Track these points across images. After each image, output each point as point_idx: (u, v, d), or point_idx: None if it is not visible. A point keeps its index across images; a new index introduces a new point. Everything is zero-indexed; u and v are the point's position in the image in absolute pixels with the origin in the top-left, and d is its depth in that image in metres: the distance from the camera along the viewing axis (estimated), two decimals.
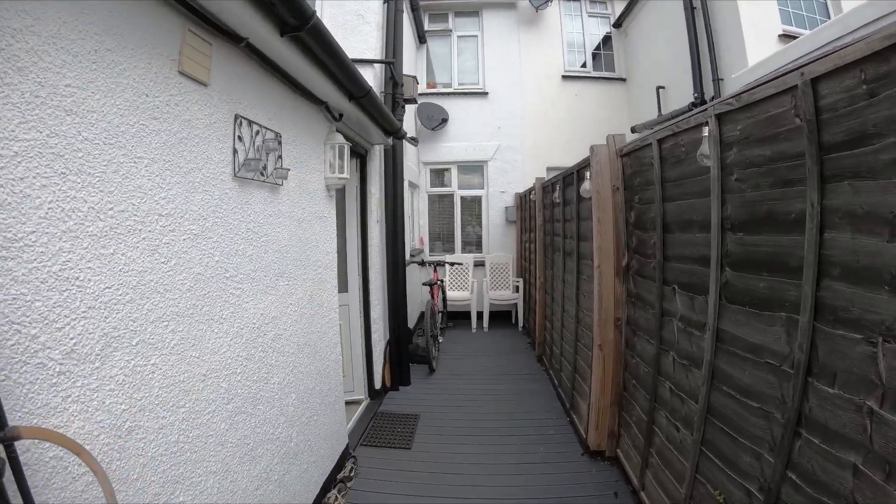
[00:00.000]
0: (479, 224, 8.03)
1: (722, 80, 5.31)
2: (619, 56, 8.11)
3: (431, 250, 8.03)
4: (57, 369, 1.12)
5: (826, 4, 5.15)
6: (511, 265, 7.59)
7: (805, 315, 1.40)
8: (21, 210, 1.04)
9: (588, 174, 2.99)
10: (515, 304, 7.30)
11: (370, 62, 4.03)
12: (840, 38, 3.28)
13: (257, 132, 2.05)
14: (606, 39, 8.23)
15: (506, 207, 7.81)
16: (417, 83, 5.15)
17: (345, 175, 2.83)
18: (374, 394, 4.21)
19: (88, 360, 1.21)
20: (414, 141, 6.43)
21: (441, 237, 8.14)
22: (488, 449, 3.42)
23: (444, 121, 7.57)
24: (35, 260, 1.07)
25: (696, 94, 5.50)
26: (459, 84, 7.95)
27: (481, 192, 7.96)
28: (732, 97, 1.79)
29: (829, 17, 4.96)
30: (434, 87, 7.87)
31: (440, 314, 6.47)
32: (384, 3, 4.39)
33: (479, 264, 7.65)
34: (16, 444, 0.97)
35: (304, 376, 2.54)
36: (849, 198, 1.27)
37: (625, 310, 2.95)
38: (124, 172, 1.34)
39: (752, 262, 1.70)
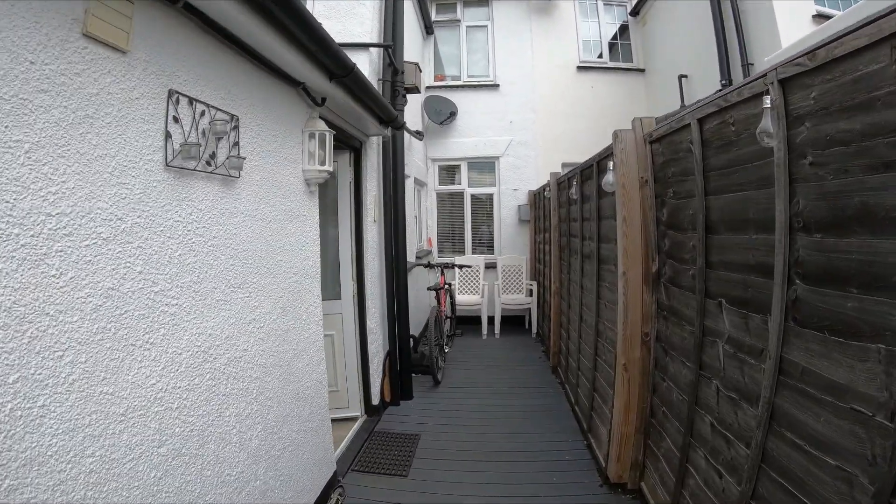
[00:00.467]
0: (491, 224, 7.61)
1: (752, 64, 4.86)
2: (637, 46, 7.62)
3: (440, 252, 7.65)
4: None
5: None
6: (524, 267, 7.15)
7: None
8: None
9: (611, 164, 2.56)
10: (529, 309, 6.86)
11: (364, 46, 3.66)
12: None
13: (202, 113, 1.69)
14: (623, 29, 7.75)
15: (519, 206, 7.38)
16: (420, 71, 4.76)
17: (326, 167, 2.45)
18: (370, 410, 3.83)
19: None
20: (419, 135, 6.05)
21: (450, 238, 7.75)
22: (494, 477, 3.02)
23: (453, 114, 7.17)
24: None
25: (723, 81, 5.05)
26: (469, 76, 7.54)
27: (493, 190, 7.54)
28: (803, 55, 1.36)
29: None
30: (442, 80, 7.48)
31: (448, 320, 6.07)
32: None
33: (491, 266, 7.23)
34: None
35: (275, 402, 2.17)
36: None
37: (654, 324, 2.52)
38: None
39: (834, 274, 1.26)
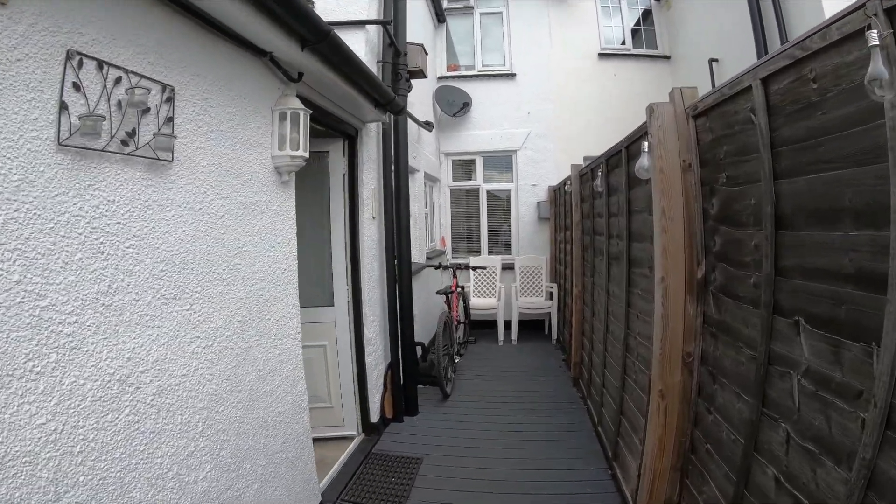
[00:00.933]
0: (508, 222, 7.15)
1: None
2: (661, 31, 7.06)
3: (454, 252, 7.23)
4: None
5: None
6: (544, 268, 6.67)
7: None
8: None
9: (645, 145, 2.10)
10: (548, 313, 6.38)
11: (359, 24, 3.27)
12: None
13: (118, 80, 1.32)
14: (646, 14, 7.19)
15: (538, 203, 6.90)
16: (426, 53, 4.36)
17: (301, 153, 2.07)
18: (368, 428, 3.45)
19: None
20: (428, 126, 5.64)
21: (465, 237, 7.33)
22: None
23: (467, 105, 6.74)
24: None
25: None
26: (483, 66, 7.09)
27: (510, 186, 7.08)
28: None
29: None
30: (455, 70, 7.05)
31: (462, 325, 5.65)
32: None
33: (508, 267, 6.77)
34: None
35: (232, 435, 1.80)
36: None
37: (699, 342, 2.05)
38: None
39: None
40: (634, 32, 7.23)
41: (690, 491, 2.15)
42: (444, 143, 6.99)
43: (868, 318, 1.09)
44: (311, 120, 2.68)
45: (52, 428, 1.14)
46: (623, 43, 7.19)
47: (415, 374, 4.01)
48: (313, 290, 3.20)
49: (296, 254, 2.27)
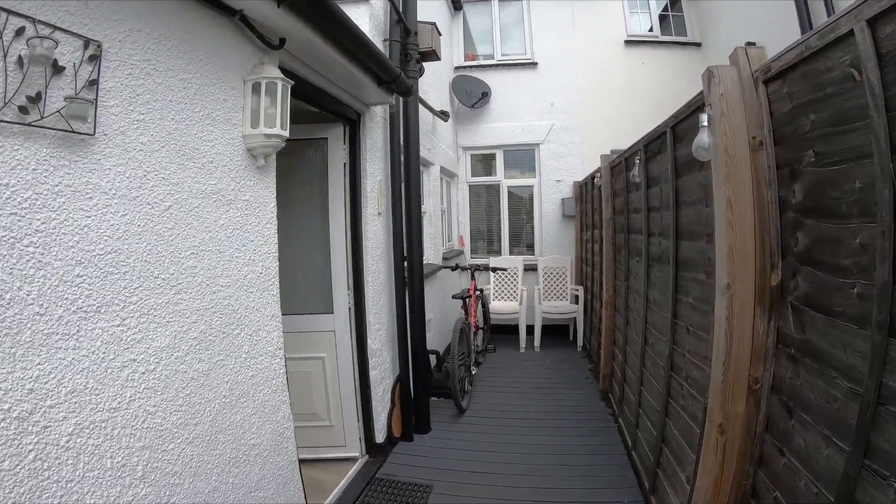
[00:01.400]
0: (530, 220, 6.72)
1: None
2: (691, 16, 6.52)
3: (473, 252, 6.83)
4: None
5: None
6: (569, 270, 6.22)
7: None
8: None
9: (704, 119, 1.67)
10: (574, 318, 5.93)
11: None
12: None
13: (19, 31, 1.00)
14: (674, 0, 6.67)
15: (562, 199, 6.45)
16: (440, 34, 3.97)
17: (277, 130, 1.72)
18: (373, 449, 3.08)
19: None
20: (444, 115, 5.26)
21: (485, 237, 6.92)
22: None
23: (486, 95, 6.33)
24: None
25: None
26: (503, 55, 6.67)
27: (532, 182, 6.64)
28: None
29: None
30: (473, 59, 6.65)
31: (480, 332, 5.24)
32: None
33: (531, 268, 6.34)
34: None
35: (189, 477, 1.45)
36: None
37: (770, 365, 1.62)
38: None
39: None
40: (662, 18, 6.72)
41: None
42: (462, 137, 6.59)
43: None
44: (306, 101, 2.35)
45: None
46: (651, 30, 6.67)
47: (427, 386, 3.64)
48: (309, 296, 2.86)
49: (276, 253, 1.92)
